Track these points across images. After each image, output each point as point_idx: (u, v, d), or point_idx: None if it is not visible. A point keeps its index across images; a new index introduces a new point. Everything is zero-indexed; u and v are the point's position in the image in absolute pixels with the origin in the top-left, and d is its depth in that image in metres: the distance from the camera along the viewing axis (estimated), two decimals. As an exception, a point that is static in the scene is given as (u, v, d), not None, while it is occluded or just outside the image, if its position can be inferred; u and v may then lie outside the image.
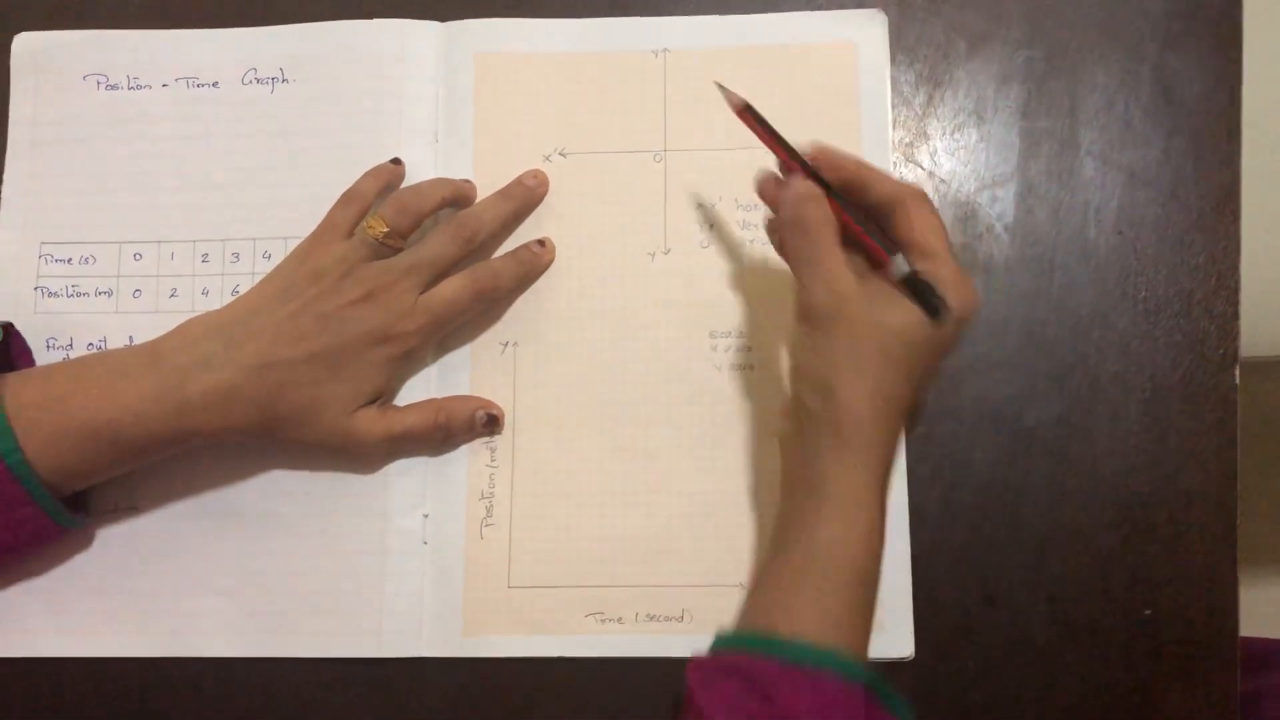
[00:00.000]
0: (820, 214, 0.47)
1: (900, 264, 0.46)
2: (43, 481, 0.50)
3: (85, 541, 0.56)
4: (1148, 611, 0.55)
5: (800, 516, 0.46)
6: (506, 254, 0.57)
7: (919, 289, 0.46)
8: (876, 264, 0.48)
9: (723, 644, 0.46)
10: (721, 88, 0.50)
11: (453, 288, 0.55)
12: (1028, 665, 0.54)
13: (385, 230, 0.53)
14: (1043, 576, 0.55)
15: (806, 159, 0.49)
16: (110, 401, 0.50)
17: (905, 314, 0.46)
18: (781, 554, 0.47)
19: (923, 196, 0.48)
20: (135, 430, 0.50)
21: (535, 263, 0.57)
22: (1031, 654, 0.55)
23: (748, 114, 0.50)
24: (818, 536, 0.46)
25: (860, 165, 0.49)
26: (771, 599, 0.46)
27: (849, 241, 0.48)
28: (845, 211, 0.48)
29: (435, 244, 0.54)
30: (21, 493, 0.49)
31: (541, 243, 0.57)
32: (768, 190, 0.50)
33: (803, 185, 0.48)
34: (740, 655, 0.45)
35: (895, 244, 0.47)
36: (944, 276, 0.46)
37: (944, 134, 0.59)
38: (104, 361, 0.52)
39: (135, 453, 0.51)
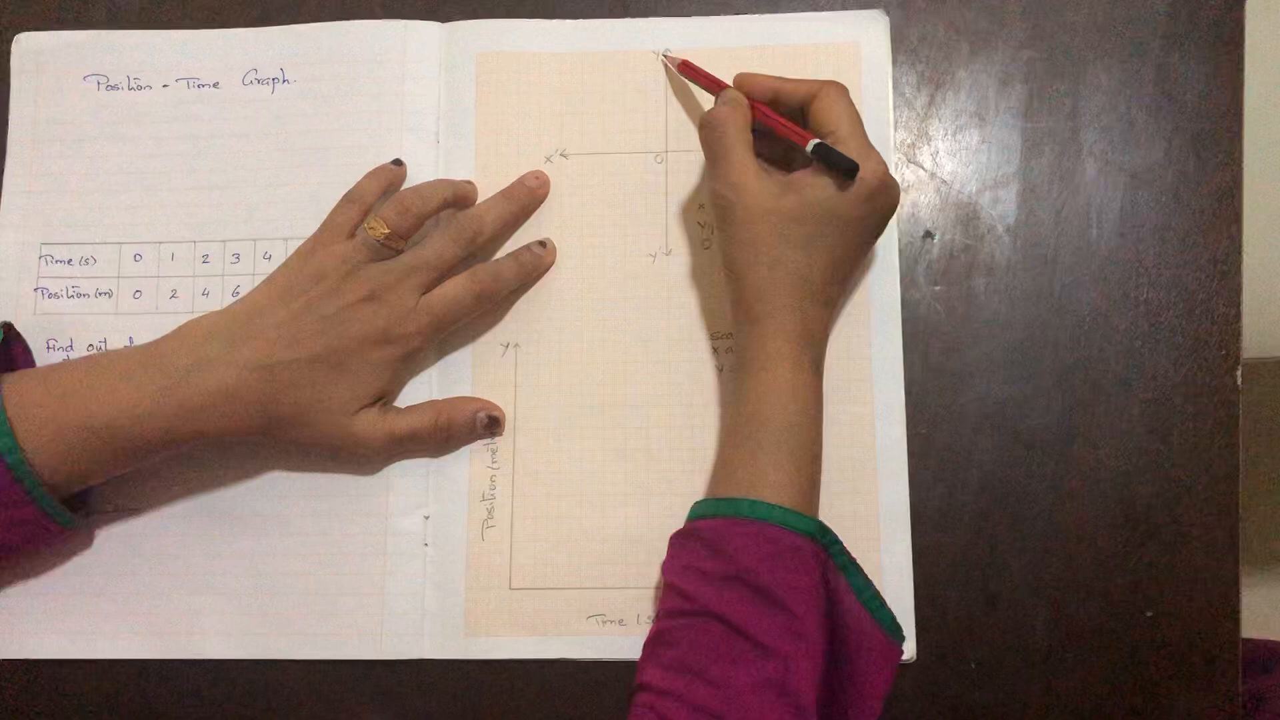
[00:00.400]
0: (727, 115, 0.52)
1: (810, 143, 0.51)
2: (43, 482, 0.50)
3: (85, 542, 0.56)
4: (1149, 613, 0.55)
5: (736, 389, 0.52)
6: (508, 255, 0.57)
7: (827, 156, 0.50)
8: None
9: (690, 516, 0.51)
10: (664, 56, 0.59)
11: (454, 289, 0.54)
12: (1030, 667, 0.54)
13: (387, 231, 0.53)
14: (1044, 578, 0.55)
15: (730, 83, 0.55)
16: (111, 402, 0.50)
17: (799, 198, 0.50)
18: (722, 427, 0.55)
19: (836, 89, 0.53)
20: (136, 431, 0.50)
21: (536, 264, 0.57)
22: (1033, 656, 0.54)
23: (687, 67, 0.57)
24: (741, 404, 0.51)
25: (777, 79, 0.54)
26: (718, 468, 0.52)
27: (775, 141, 0.54)
28: (764, 108, 0.53)
29: (437, 245, 0.54)
30: (21, 493, 0.49)
31: (543, 244, 0.57)
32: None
33: (723, 94, 0.54)
34: (697, 521, 0.50)
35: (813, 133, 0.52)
36: (852, 149, 0.50)
37: (946, 135, 0.59)
38: (105, 362, 0.52)
39: (136, 453, 0.51)
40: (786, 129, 0.53)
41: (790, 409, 0.50)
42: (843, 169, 0.49)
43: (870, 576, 0.52)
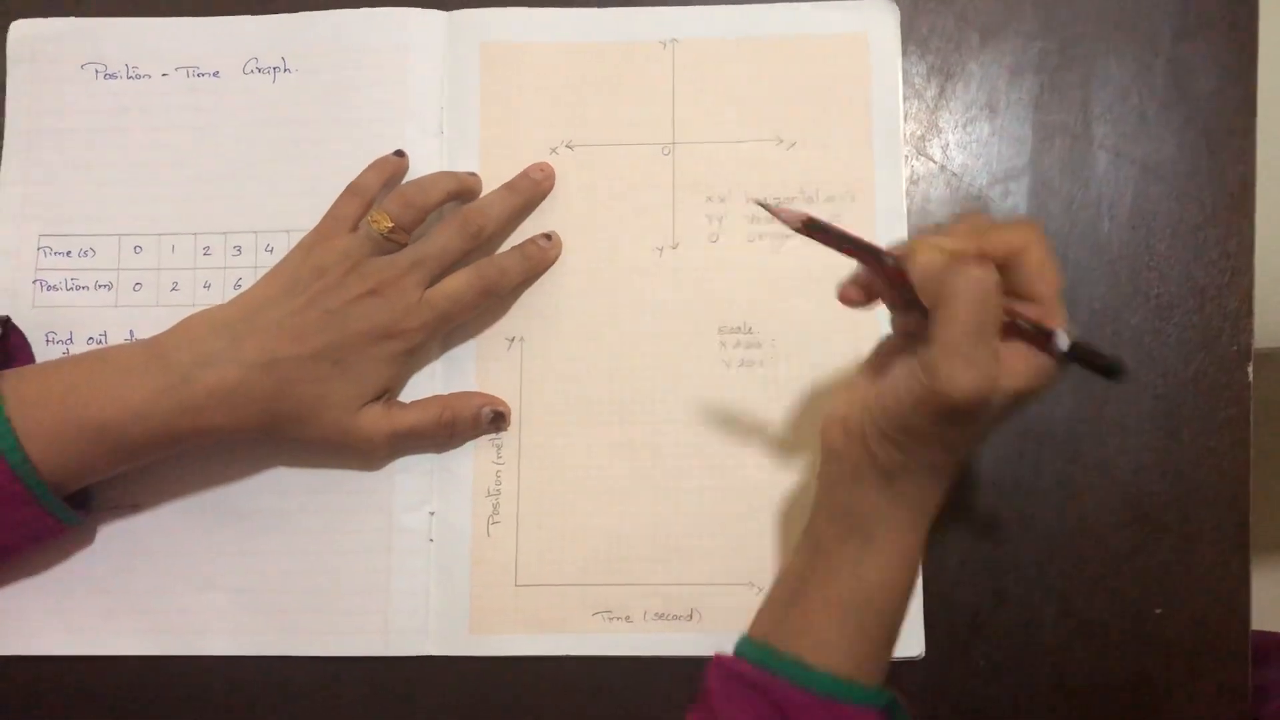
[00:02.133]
0: (995, 298, 0.41)
1: (1062, 338, 0.42)
2: (44, 480, 0.49)
3: (87, 539, 0.56)
4: (1159, 610, 0.54)
5: (841, 549, 0.45)
6: (512, 249, 0.56)
7: (1087, 356, 0.43)
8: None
9: (749, 656, 0.45)
10: (769, 208, 0.44)
11: (458, 283, 0.54)
12: (1039, 663, 0.54)
13: (390, 225, 0.52)
14: (1054, 574, 0.55)
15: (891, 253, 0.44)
16: (112, 399, 0.49)
17: (1012, 398, 0.43)
18: (818, 582, 0.46)
19: (1040, 237, 0.43)
20: (137, 428, 0.49)
21: (542, 257, 0.57)
22: (1042, 652, 0.54)
23: (815, 230, 0.44)
24: (862, 576, 0.45)
25: (973, 230, 0.43)
26: (803, 624, 0.45)
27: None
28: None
29: (440, 239, 0.54)
30: (23, 491, 0.49)
31: (548, 236, 0.57)
32: (851, 295, 0.46)
33: (982, 273, 0.41)
34: (766, 674, 0.44)
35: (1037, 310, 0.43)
36: (1061, 322, 0.43)
37: (956, 127, 0.58)
38: (106, 359, 0.51)
39: (137, 451, 0.51)
40: (1030, 320, 0.42)
41: (910, 595, 0.46)
42: (1105, 371, 0.43)
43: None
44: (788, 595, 0.47)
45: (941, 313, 0.41)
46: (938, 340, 0.41)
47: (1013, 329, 0.42)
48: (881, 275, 0.44)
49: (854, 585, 0.45)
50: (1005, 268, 0.42)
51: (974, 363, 0.41)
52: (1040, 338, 0.42)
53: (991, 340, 0.41)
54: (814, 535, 0.47)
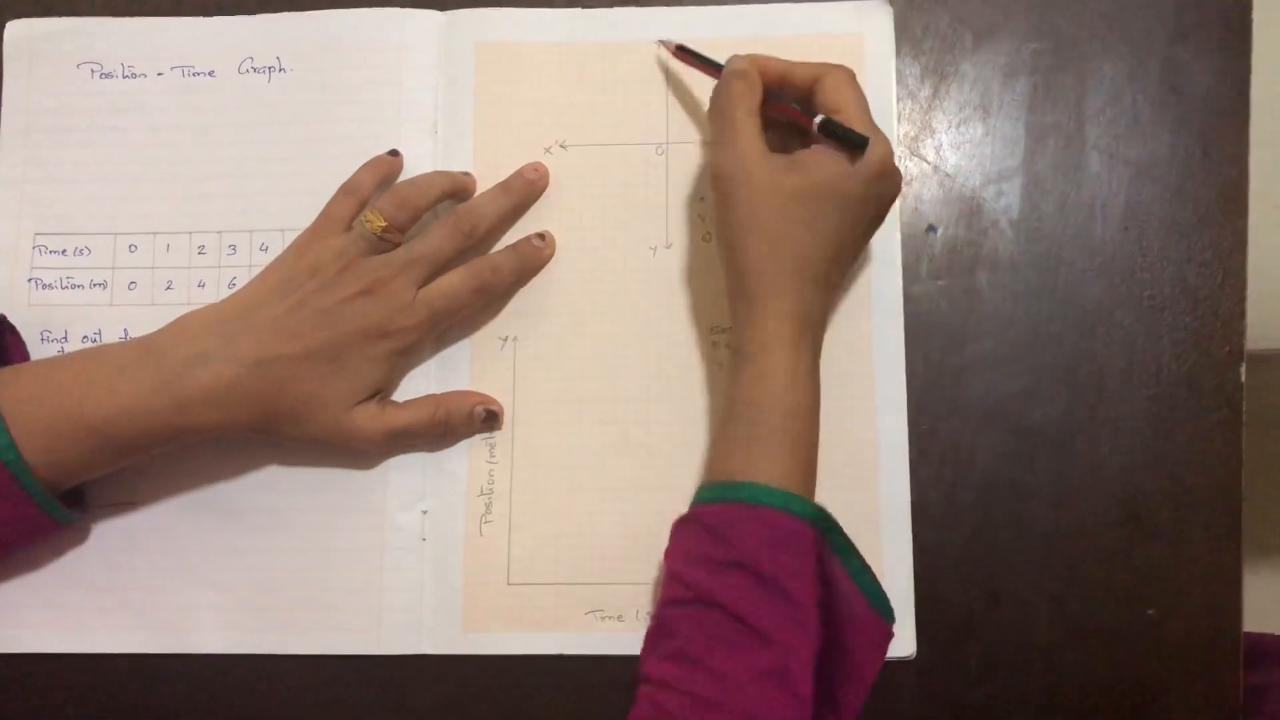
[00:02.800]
0: (742, 90, 0.52)
1: (817, 119, 0.50)
2: (38, 477, 0.49)
3: (82, 537, 0.56)
4: (1151, 610, 0.54)
5: (730, 374, 0.51)
6: (506, 248, 0.56)
7: (835, 130, 0.49)
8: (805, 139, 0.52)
9: (695, 500, 0.50)
10: (660, 44, 0.58)
11: (452, 282, 0.54)
12: (1031, 663, 0.54)
13: (384, 224, 0.53)
14: (1047, 574, 0.55)
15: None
16: (107, 397, 0.49)
17: (804, 176, 0.49)
18: (722, 411, 0.53)
19: (841, 73, 0.52)
20: (132, 426, 0.50)
21: (535, 256, 0.57)
22: (1035, 652, 0.54)
23: (683, 52, 0.56)
24: (739, 388, 0.50)
25: (784, 61, 0.53)
26: (716, 452, 0.51)
27: (782, 126, 0.53)
28: (770, 95, 0.52)
29: (434, 238, 0.54)
30: (17, 489, 0.49)
31: (542, 236, 0.57)
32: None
33: (732, 62, 0.53)
34: (699, 506, 0.49)
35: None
36: (856, 126, 0.50)
37: (949, 127, 0.58)
38: (100, 356, 0.51)
39: (132, 448, 0.51)
40: (790, 109, 0.52)
41: (788, 394, 0.49)
42: (852, 143, 0.49)
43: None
44: (712, 439, 0.53)
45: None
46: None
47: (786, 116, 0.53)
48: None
49: (735, 399, 0.50)
50: (813, 93, 0.52)
51: (727, 140, 0.51)
52: (809, 136, 0.51)
53: (737, 119, 0.51)
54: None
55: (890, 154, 0.50)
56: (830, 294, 0.52)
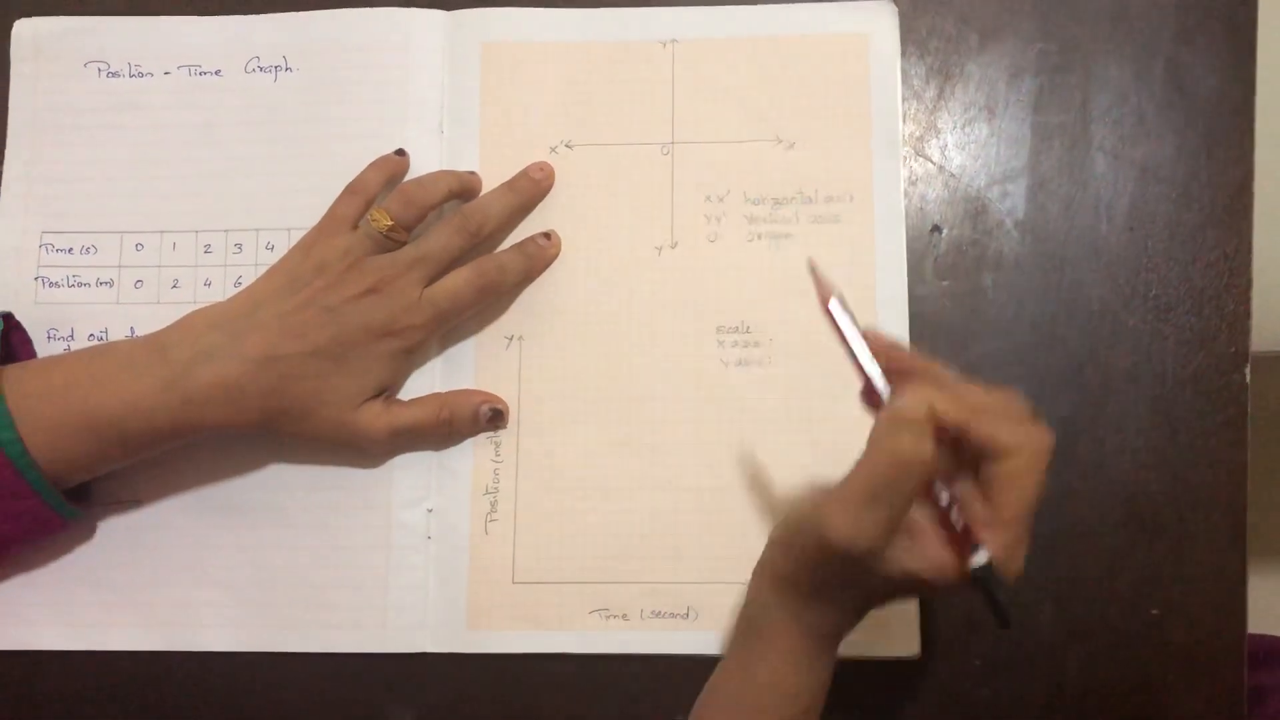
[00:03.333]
0: (922, 463, 0.40)
1: (981, 555, 0.40)
2: (44, 473, 0.49)
3: (87, 534, 0.56)
4: (1155, 611, 0.54)
5: (739, 646, 0.47)
6: (512, 247, 0.57)
7: (990, 589, 0.40)
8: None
9: None
10: (816, 273, 0.44)
11: (457, 281, 0.54)
12: (1034, 664, 0.54)
13: (390, 223, 0.53)
14: (1050, 575, 0.55)
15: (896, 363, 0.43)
16: (113, 394, 0.49)
17: (907, 577, 0.41)
18: (718, 676, 0.48)
19: (1037, 449, 0.41)
20: (138, 423, 0.50)
21: (541, 256, 0.57)
22: (1038, 653, 0.54)
23: (832, 314, 0.44)
24: (751, 676, 0.46)
25: (967, 403, 0.41)
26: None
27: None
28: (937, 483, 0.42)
29: (440, 237, 0.54)
30: (23, 484, 0.49)
31: (547, 235, 0.57)
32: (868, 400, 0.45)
33: (910, 409, 0.40)
34: None
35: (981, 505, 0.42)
36: (1000, 546, 0.40)
37: (955, 128, 0.58)
38: (107, 353, 0.51)
39: (138, 445, 0.51)
40: (956, 531, 0.41)
41: (808, 699, 0.46)
42: (996, 618, 0.40)
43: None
44: (702, 699, 0.48)
45: (862, 458, 0.41)
46: (844, 479, 0.41)
47: (946, 520, 0.41)
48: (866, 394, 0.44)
49: (743, 684, 0.46)
50: (987, 457, 0.41)
51: (857, 518, 0.40)
52: (965, 543, 0.41)
53: (889, 508, 0.40)
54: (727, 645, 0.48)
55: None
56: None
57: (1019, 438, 0.41)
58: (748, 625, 0.47)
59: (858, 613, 0.45)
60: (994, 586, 0.40)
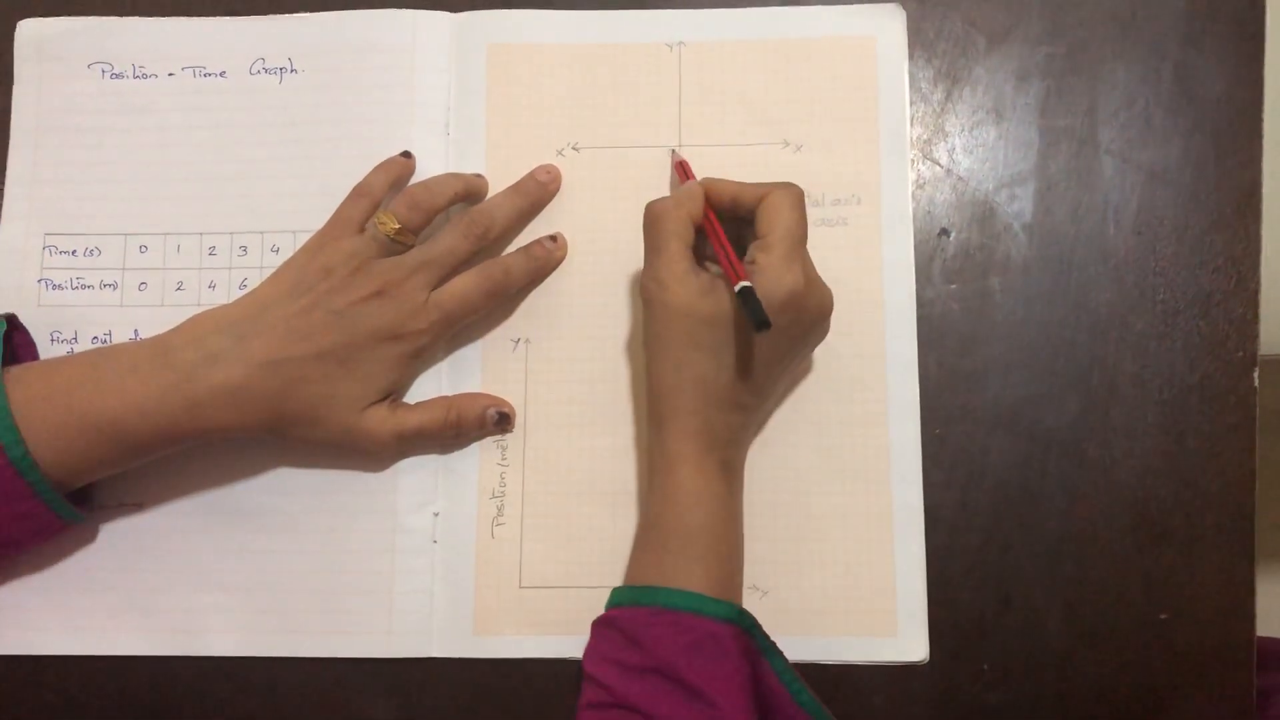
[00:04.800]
0: (669, 209, 0.51)
1: (737, 285, 0.48)
2: (47, 476, 0.49)
3: (90, 537, 0.56)
4: (1163, 615, 0.54)
5: (647, 486, 0.52)
6: (518, 250, 0.56)
7: (745, 302, 0.47)
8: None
9: (610, 602, 0.51)
10: (672, 151, 0.58)
11: (464, 285, 0.54)
12: (1043, 668, 0.54)
13: (396, 226, 0.52)
14: (1059, 579, 0.55)
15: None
16: (117, 397, 0.49)
17: (715, 302, 0.49)
18: (639, 521, 0.54)
19: (786, 193, 0.51)
20: (142, 426, 0.49)
21: (548, 259, 0.56)
22: (1047, 657, 0.54)
23: (682, 167, 0.56)
24: (651, 501, 0.51)
25: (737, 184, 0.53)
26: (633, 558, 0.52)
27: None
28: (714, 222, 0.52)
29: (446, 241, 0.54)
30: (25, 487, 0.49)
31: (554, 238, 0.57)
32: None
33: (682, 188, 0.53)
34: (614, 610, 0.50)
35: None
36: (775, 256, 0.49)
37: (962, 131, 0.58)
38: (111, 356, 0.51)
39: (142, 449, 0.51)
40: (723, 257, 0.50)
41: (693, 512, 0.50)
42: (753, 321, 0.47)
43: (883, 576, 0.52)
44: (639, 546, 0.52)
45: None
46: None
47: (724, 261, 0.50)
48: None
49: (647, 512, 0.51)
50: (756, 209, 0.51)
51: (648, 265, 0.51)
52: (733, 274, 0.49)
53: (665, 240, 0.51)
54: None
55: (796, 289, 0.49)
56: (744, 414, 0.51)
57: (773, 188, 0.51)
58: (648, 462, 0.52)
59: (710, 379, 0.50)
60: (751, 300, 0.47)
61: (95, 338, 0.57)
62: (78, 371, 0.50)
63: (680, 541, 0.49)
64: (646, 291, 0.51)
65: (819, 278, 0.51)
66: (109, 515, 0.56)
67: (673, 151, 0.57)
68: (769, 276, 0.49)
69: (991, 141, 0.58)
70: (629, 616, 0.49)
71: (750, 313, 0.47)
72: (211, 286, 0.58)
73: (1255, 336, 0.55)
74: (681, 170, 0.56)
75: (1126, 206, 0.57)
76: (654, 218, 0.51)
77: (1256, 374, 0.55)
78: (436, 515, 0.55)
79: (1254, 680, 0.54)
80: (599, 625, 0.50)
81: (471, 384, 0.56)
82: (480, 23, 0.59)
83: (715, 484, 0.50)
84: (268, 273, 0.54)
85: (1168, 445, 0.55)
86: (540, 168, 0.57)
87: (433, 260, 0.53)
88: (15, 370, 0.51)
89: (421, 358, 0.55)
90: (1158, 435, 0.55)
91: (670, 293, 0.50)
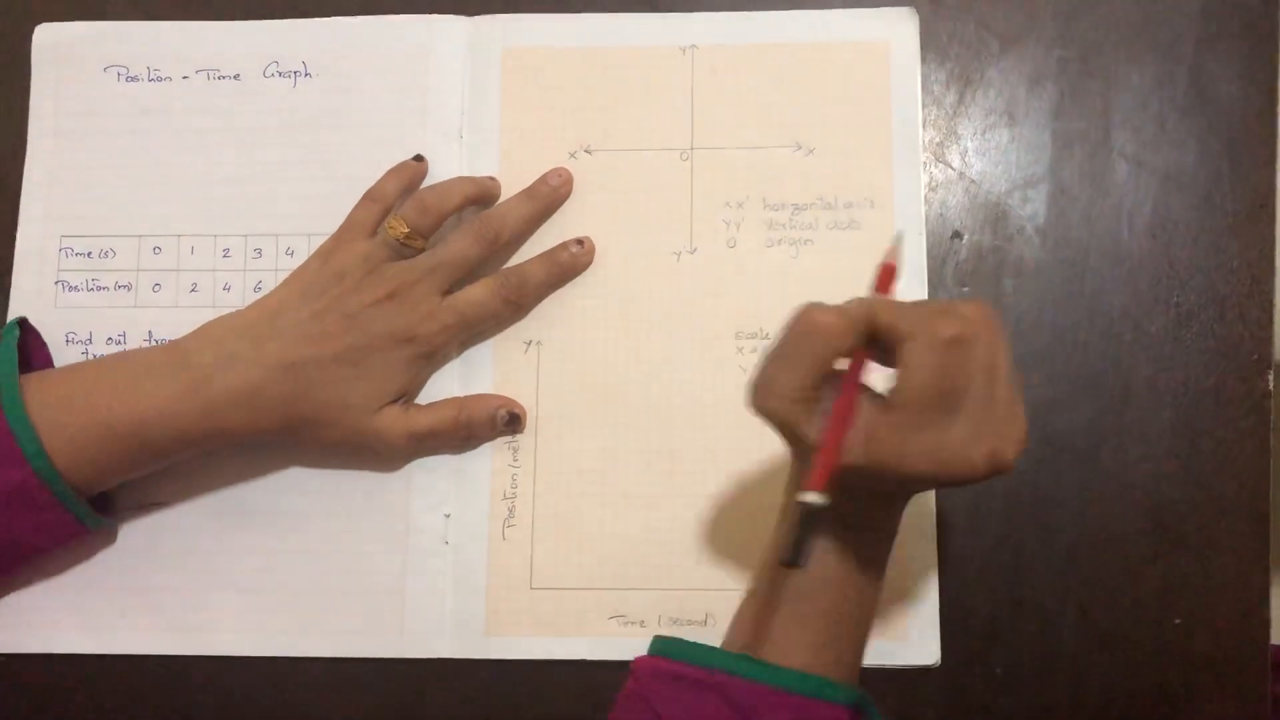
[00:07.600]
0: (831, 326, 0.40)
1: (810, 495, 0.40)
2: (67, 483, 0.49)
3: (109, 538, 0.56)
4: (1177, 620, 0.54)
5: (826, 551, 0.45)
6: (540, 255, 0.56)
7: (793, 527, 0.40)
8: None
9: (692, 658, 0.45)
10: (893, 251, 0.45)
11: (479, 292, 0.54)
12: (1056, 673, 0.54)
13: (406, 231, 0.53)
14: (1072, 583, 0.54)
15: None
16: (134, 402, 0.49)
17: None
18: (768, 587, 0.46)
19: (927, 341, 0.39)
20: (160, 430, 0.50)
21: (573, 263, 0.56)
22: (1060, 662, 0.54)
23: (887, 274, 0.45)
24: (802, 580, 0.45)
25: (898, 306, 0.42)
26: (755, 626, 0.46)
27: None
28: (858, 374, 0.42)
29: (457, 245, 0.54)
30: (48, 496, 0.49)
31: (580, 242, 0.57)
32: None
33: (854, 309, 0.41)
34: (719, 674, 0.43)
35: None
36: (873, 429, 0.40)
37: (975, 134, 0.58)
38: (128, 361, 0.51)
39: (160, 453, 0.51)
40: (832, 428, 0.41)
41: (861, 596, 0.46)
42: (783, 545, 0.40)
43: (895, 579, 0.52)
44: (743, 605, 0.48)
45: None
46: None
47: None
48: None
49: (799, 586, 0.45)
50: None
51: (768, 376, 0.42)
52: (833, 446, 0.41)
53: (792, 370, 0.41)
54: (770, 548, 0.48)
55: (886, 476, 0.41)
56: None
57: (914, 324, 0.40)
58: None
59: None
60: (804, 521, 0.39)
61: (110, 339, 0.58)
62: (95, 377, 0.51)
63: (832, 623, 0.45)
64: (762, 408, 0.42)
65: (952, 446, 0.40)
66: (127, 516, 0.56)
67: (893, 245, 0.45)
68: (884, 444, 0.40)
69: (1004, 144, 0.58)
70: (741, 687, 0.43)
71: (790, 541, 0.40)
72: (226, 288, 0.58)
73: (1270, 340, 0.55)
74: (885, 277, 0.44)
75: (1140, 210, 0.57)
76: (806, 330, 0.41)
77: (1271, 377, 0.55)
78: (448, 516, 0.56)
79: (1269, 686, 0.53)
80: (690, 684, 0.44)
81: (483, 386, 0.56)
82: (495, 27, 0.59)
83: (871, 581, 0.46)
84: (282, 275, 0.54)
85: (1182, 449, 0.55)
86: (552, 171, 0.57)
87: (443, 263, 0.53)
88: (33, 378, 0.51)
89: (433, 360, 0.55)
90: (1172, 439, 0.55)
91: (774, 418, 0.42)
